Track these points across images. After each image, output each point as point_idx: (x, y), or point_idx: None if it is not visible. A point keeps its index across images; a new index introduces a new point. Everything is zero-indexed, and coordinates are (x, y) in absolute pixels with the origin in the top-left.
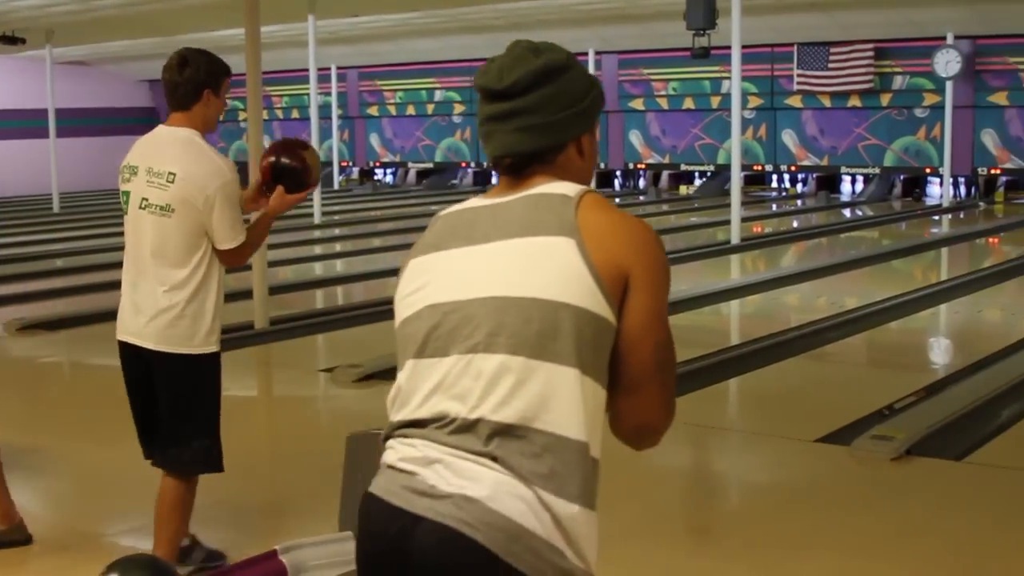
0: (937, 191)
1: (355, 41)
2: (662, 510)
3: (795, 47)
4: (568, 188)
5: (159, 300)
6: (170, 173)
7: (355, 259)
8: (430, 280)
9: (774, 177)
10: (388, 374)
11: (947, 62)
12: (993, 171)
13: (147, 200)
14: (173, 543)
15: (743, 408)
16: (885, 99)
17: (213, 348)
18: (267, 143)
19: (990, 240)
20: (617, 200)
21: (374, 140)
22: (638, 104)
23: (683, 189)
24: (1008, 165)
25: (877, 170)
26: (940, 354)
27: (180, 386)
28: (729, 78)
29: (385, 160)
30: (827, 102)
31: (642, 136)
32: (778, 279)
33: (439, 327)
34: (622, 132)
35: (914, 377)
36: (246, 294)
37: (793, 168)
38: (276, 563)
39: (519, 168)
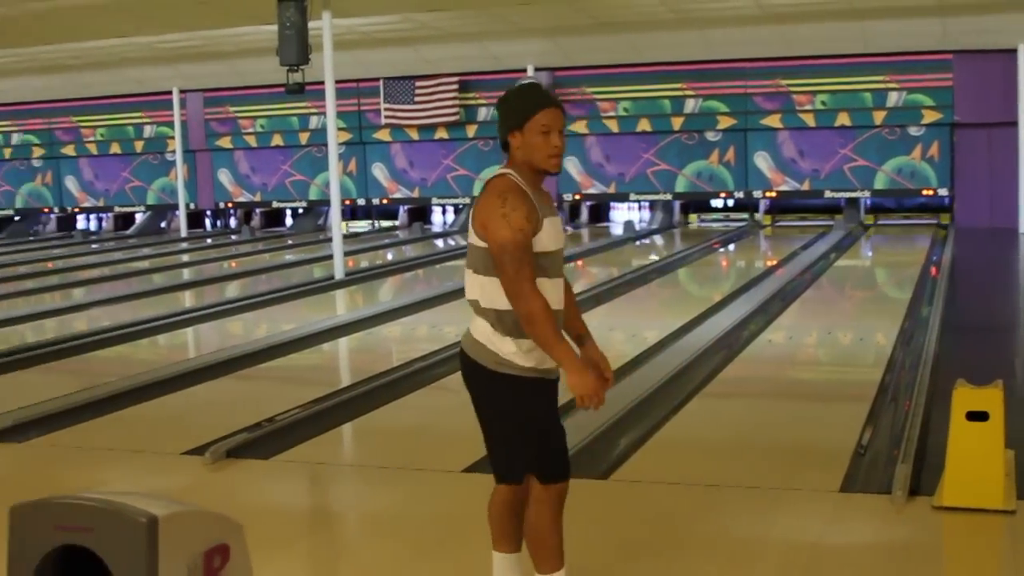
0: None
1: None
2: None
3: (381, 81)
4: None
5: None
6: None
7: None
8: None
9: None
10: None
11: None
12: (577, 196)
13: None
14: None
15: (378, 445)
16: (471, 130)
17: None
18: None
19: (577, 263)
20: (209, 240)
21: None
22: (226, 142)
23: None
24: (591, 191)
25: (467, 200)
26: None
27: None
28: (317, 113)
29: None
30: (415, 135)
31: (231, 175)
32: (387, 312)
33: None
34: (211, 171)
35: None
36: None
37: (385, 201)
38: None
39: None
